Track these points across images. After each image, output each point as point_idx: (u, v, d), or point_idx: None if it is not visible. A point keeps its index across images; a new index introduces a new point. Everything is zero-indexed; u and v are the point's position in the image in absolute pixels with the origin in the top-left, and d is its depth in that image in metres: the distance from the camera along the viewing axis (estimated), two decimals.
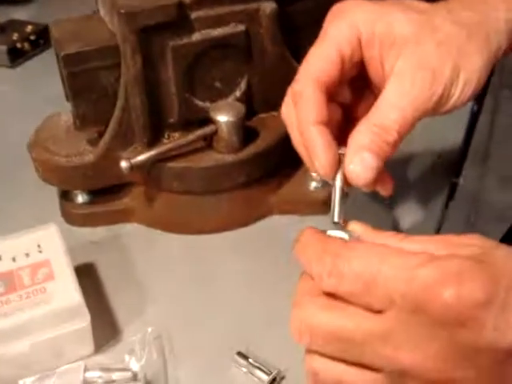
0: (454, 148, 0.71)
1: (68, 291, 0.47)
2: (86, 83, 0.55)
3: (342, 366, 0.34)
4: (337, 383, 0.34)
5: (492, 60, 0.41)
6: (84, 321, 0.47)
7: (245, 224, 0.61)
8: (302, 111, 0.41)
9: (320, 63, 0.41)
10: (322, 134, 0.40)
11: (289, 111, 0.43)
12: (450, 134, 0.71)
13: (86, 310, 0.47)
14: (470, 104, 0.69)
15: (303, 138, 0.41)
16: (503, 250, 0.33)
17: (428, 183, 0.66)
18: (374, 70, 0.42)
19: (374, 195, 0.49)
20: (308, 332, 0.34)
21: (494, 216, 0.61)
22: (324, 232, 0.38)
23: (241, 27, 0.56)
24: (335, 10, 0.43)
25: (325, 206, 0.57)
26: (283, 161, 0.61)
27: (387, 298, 0.32)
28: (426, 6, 0.43)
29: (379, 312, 0.33)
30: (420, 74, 0.39)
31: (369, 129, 0.39)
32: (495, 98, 0.71)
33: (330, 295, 0.34)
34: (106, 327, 0.51)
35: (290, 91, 0.43)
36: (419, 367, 0.32)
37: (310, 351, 0.35)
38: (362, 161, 0.39)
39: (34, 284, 0.47)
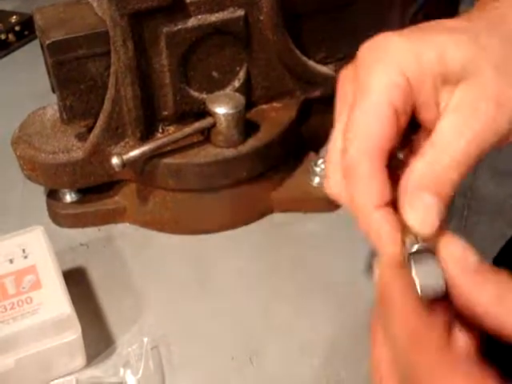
0: None
1: (57, 301, 0.44)
2: (73, 73, 0.52)
3: None
4: None
5: None
6: (75, 332, 0.44)
7: (245, 222, 0.59)
8: (359, 193, 0.34)
9: (373, 125, 0.34)
10: (388, 220, 0.33)
11: (341, 190, 0.36)
12: None
13: (76, 321, 0.44)
14: None
15: (362, 222, 0.34)
16: None
17: None
18: (425, 111, 0.35)
19: None
20: None
21: (486, 210, 0.61)
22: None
23: (240, 12, 0.54)
24: (367, 51, 0.36)
25: (329, 202, 0.55)
26: (285, 155, 0.59)
27: None
28: (460, 21, 0.37)
29: None
30: (482, 106, 0.34)
31: (426, 168, 0.33)
32: None
33: None
34: (98, 338, 0.49)
35: (332, 165, 0.36)
36: None
37: None
38: (423, 204, 0.33)
39: (20, 293, 0.45)
